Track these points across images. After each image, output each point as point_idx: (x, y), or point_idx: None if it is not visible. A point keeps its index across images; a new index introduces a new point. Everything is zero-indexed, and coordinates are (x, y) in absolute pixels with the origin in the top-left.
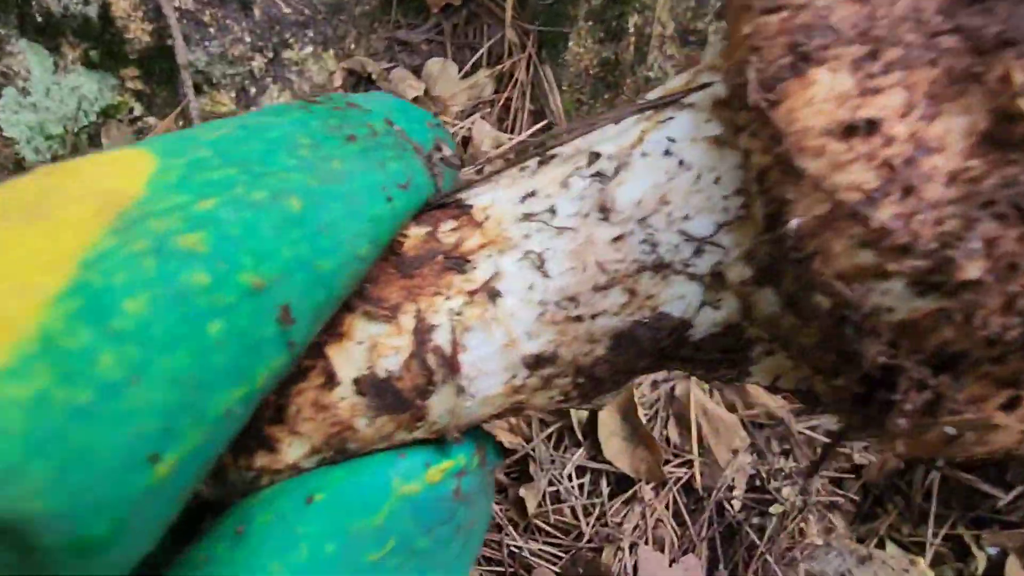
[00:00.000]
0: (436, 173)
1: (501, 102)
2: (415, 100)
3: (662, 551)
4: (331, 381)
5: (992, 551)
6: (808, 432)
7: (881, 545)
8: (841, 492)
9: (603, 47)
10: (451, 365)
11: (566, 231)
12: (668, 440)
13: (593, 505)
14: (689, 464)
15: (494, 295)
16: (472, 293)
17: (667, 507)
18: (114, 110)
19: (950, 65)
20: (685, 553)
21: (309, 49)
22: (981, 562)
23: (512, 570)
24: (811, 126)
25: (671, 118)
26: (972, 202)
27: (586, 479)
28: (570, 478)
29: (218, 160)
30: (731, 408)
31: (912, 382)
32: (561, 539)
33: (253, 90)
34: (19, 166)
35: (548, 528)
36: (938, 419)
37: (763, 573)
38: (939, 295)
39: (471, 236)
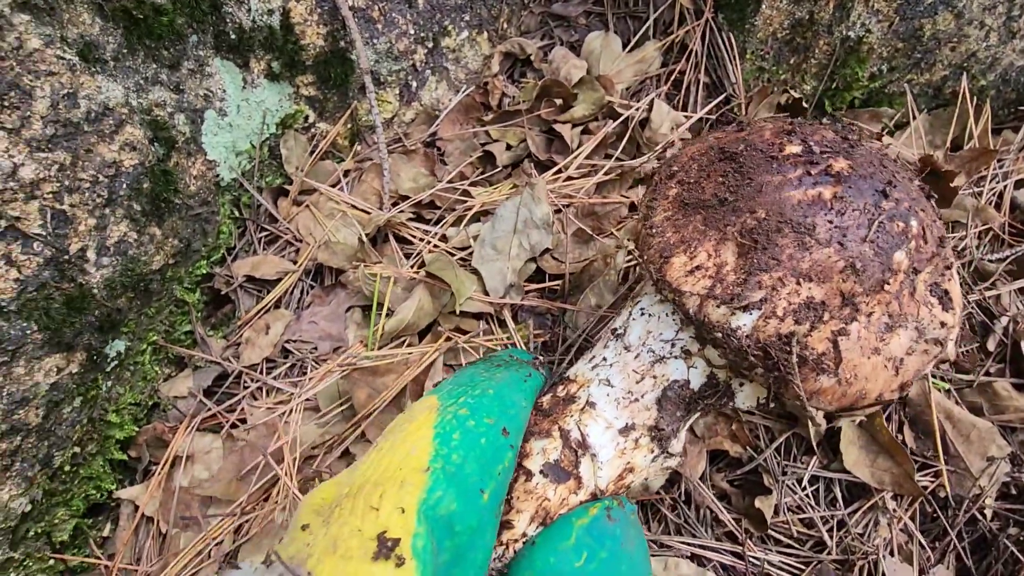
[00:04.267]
0: (540, 369)
1: (671, 76)
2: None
3: (909, 564)
4: (529, 476)
5: None
6: None
7: None
8: None
9: (798, 6)
10: (584, 445)
11: (614, 363)
12: (905, 445)
13: (832, 516)
14: (934, 471)
15: (592, 404)
16: (582, 409)
17: (912, 517)
18: (291, 119)
19: (714, 236)
20: (934, 566)
21: (465, 34)
22: None
23: None
24: (677, 275)
25: (639, 299)
26: (745, 272)
27: (819, 488)
28: (804, 488)
29: (455, 386)
30: (976, 411)
31: (778, 349)
32: (800, 550)
33: (414, 84)
34: (217, 186)
35: (787, 540)
36: (816, 368)
37: None
38: (755, 311)
39: (572, 386)
